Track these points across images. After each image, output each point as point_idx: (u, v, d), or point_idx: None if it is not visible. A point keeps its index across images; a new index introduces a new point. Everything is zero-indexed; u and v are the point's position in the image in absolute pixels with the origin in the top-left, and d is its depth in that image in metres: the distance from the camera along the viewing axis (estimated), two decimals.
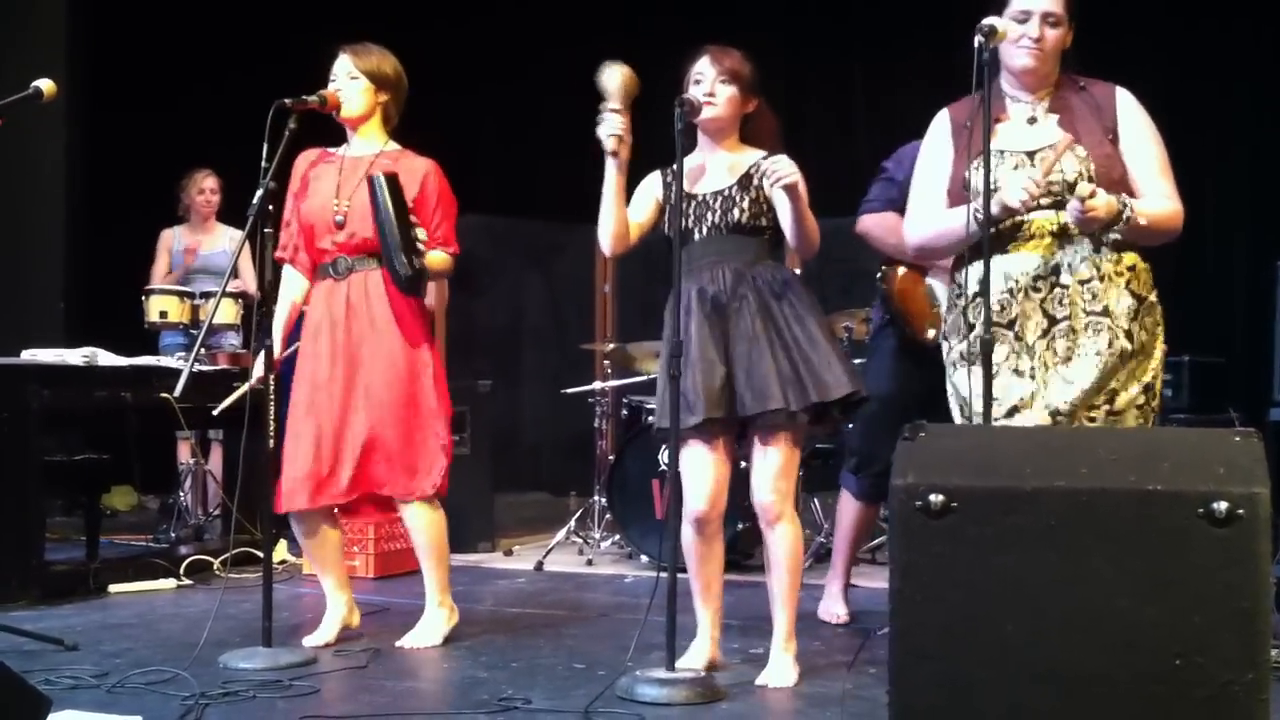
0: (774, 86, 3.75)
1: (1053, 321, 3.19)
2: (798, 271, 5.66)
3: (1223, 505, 2.28)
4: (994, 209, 3.15)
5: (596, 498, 6.08)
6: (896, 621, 2.44)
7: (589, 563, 5.74)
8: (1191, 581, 2.29)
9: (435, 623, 3.97)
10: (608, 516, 5.95)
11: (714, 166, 3.60)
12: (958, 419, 3.35)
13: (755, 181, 3.50)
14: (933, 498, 2.41)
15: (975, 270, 3.25)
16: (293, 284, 3.99)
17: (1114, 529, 2.34)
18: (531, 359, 8.86)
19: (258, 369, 3.89)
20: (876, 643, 3.92)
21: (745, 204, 3.52)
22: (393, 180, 3.75)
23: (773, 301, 3.46)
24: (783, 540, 3.49)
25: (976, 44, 3.17)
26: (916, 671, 2.41)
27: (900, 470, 2.48)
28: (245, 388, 4.02)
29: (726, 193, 3.55)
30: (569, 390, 6.50)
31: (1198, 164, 6.61)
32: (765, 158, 3.50)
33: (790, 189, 3.36)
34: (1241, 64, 6.87)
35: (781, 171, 3.33)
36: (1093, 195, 3.09)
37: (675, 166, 3.40)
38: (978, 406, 3.21)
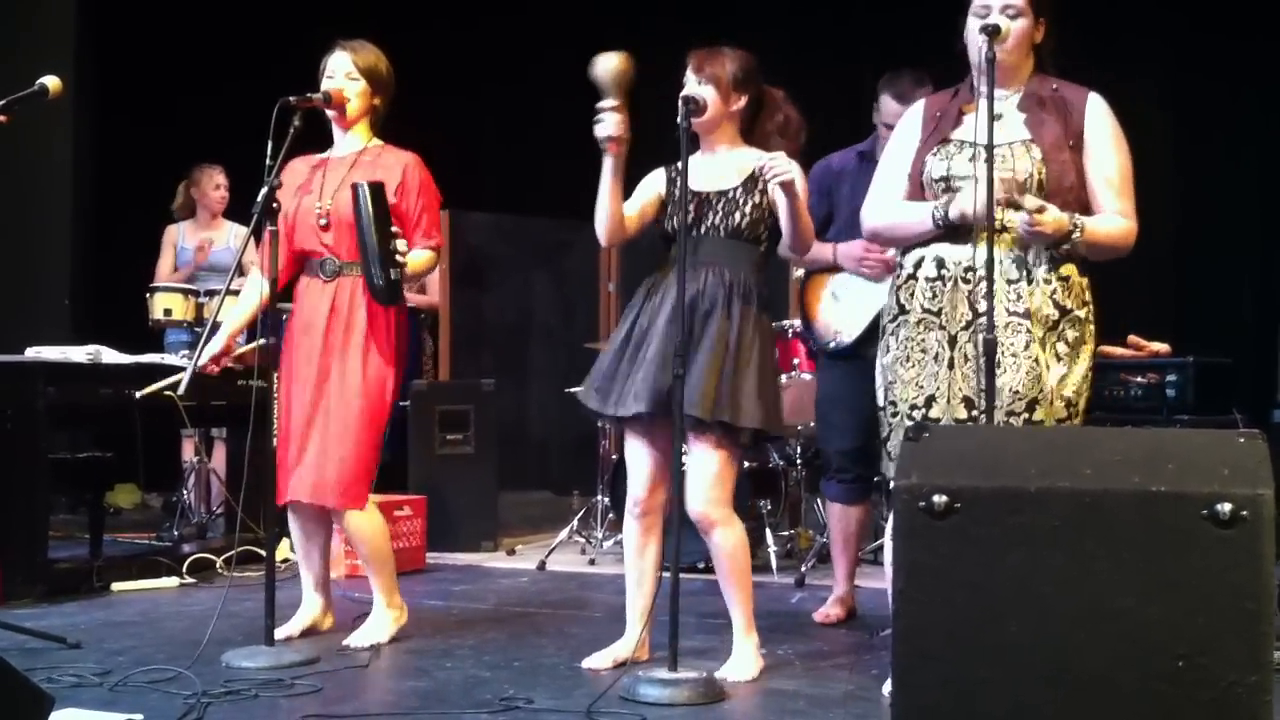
0: (780, 87, 3.75)
1: (976, 315, 3.18)
2: (800, 273, 5.70)
3: (1227, 507, 2.28)
4: (953, 213, 3.20)
5: (599, 497, 6.08)
6: (899, 622, 2.44)
7: (592, 562, 5.74)
8: (1195, 583, 2.29)
9: (382, 622, 3.95)
10: (610, 516, 5.94)
11: (717, 165, 3.62)
12: (880, 402, 3.38)
13: (760, 185, 3.52)
14: (936, 498, 2.41)
15: (914, 254, 3.32)
16: (255, 287, 4.00)
17: (1118, 530, 2.33)
18: (537, 357, 8.86)
19: (202, 359, 3.90)
20: (879, 644, 3.92)
21: (748, 209, 3.54)
22: (377, 189, 3.74)
23: (739, 314, 3.50)
24: (722, 544, 3.55)
25: (981, 44, 3.18)
26: (920, 672, 2.41)
27: (904, 470, 2.48)
28: (174, 379, 4.03)
29: (730, 194, 3.56)
30: (573, 389, 6.48)
31: (1205, 165, 6.62)
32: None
33: (786, 186, 3.39)
34: (1250, 65, 6.85)
35: (778, 169, 3.36)
36: (1041, 210, 3.08)
37: (680, 166, 3.42)
38: (900, 396, 3.29)
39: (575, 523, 6.02)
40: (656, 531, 3.64)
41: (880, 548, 5.51)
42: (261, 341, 3.93)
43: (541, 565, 5.60)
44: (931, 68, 4.24)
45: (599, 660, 3.65)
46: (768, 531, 5.37)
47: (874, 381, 4.28)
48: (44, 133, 6.80)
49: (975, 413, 3.16)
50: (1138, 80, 3.36)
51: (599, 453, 6.25)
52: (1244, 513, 2.27)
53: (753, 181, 3.54)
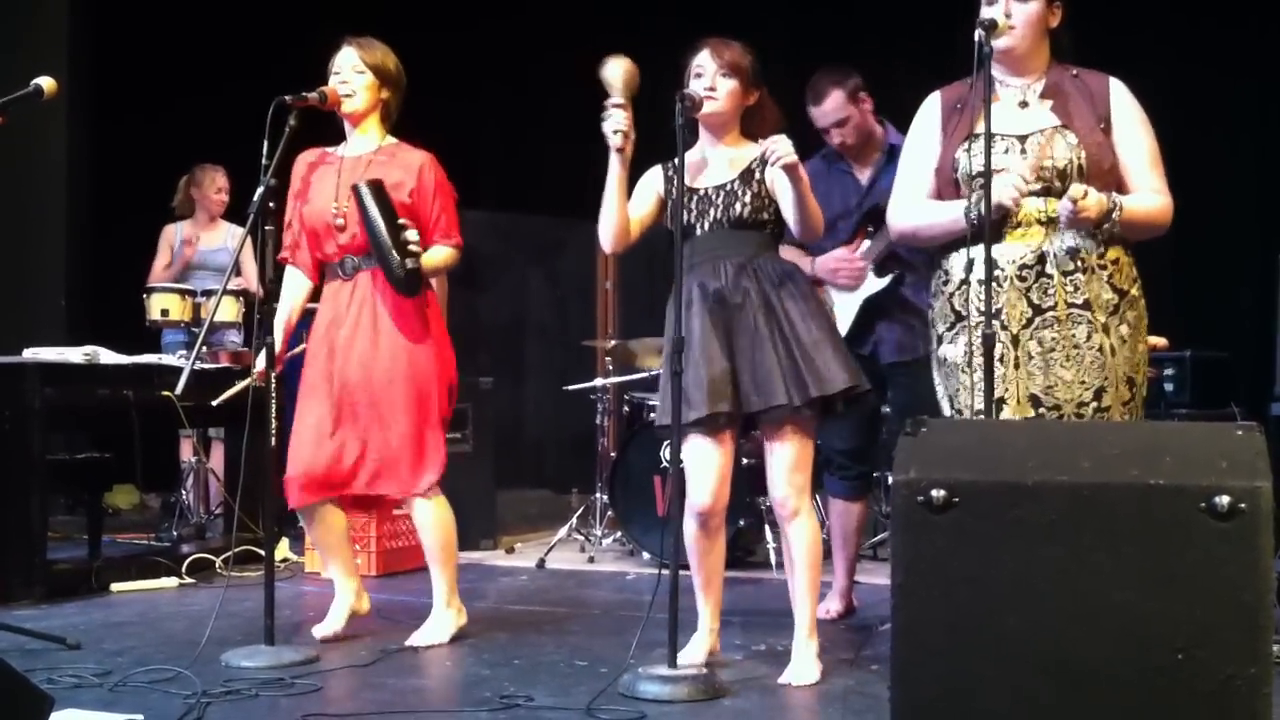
0: (777, 86, 3.75)
1: (1037, 311, 3.18)
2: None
3: (1225, 500, 2.28)
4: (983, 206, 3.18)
5: (598, 495, 6.08)
6: (899, 617, 2.44)
7: (591, 560, 5.74)
8: (1193, 576, 2.29)
9: (442, 622, 3.96)
10: (609, 513, 5.95)
11: (715, 160, 3.60)
12: (947, 412, 3.36)
13: (757, 175, 3.51)
14: (935, 492, 2.41)
15: (960, 256, 3.28)
16: (294, 283, 4.00)
17: (1116, 523, 2.34)
18: (534, 355, 8.87)
19: (259, 364, 3.92)
20: (879, 638, 3.92)
21: (747, 198, 3.51)
22: (378, 186, 3.76)
23: (774, 295, 3.45)
24: (800, 536, 3.47)
25: (977, 39, 3.18)
26: (919, 667, 2.41)
27: (902, 465, 2.48)
28: (248, 380, 4.02)
29: (729, 187, 3.54)
30: (571, 387, 6.49)
31: (1202, 157, 6.60)
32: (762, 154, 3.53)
33: (790, 169, 3.34)
34: (1248, 57, 6.85)
35: (780, 151, 3.31)
36: (1085, 196, 3.09)
37: (676, 162, 3.40)
38: (965, 403, 3.25)
39: (574, 520, 6.03)
40: (721, 534, 3.59)
41: (880, 542, 5.52)
42: (300, 348, 3.94)
43: (541, 563, 5.60)
44: (930, 64, 4.25)
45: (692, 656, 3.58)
46: (767, 528, 5.36)
47: (869, 380, 4.28)
48: (40, 133, 6.80)
49: (1042, 410, 3.16)
50: (1135, 75, 3.35)
51: (597, 451, 6.25)
52: (1242, 505, 2.27)
53: (749, 173, 3.53)
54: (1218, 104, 6.90)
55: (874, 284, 4.20)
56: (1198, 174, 6.55)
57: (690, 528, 3.52)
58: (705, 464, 3.50)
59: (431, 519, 3.91)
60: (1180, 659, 2.28)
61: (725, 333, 3.44)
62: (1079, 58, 3.38)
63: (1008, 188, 3.13)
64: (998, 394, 3.21)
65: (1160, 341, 5.27)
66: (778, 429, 3.45)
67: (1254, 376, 5.81)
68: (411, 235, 3.77)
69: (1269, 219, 6.82)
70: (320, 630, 3.90)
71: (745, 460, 4.89)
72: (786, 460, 3.46)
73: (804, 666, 3.45)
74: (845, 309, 4.25)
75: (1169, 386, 5.30)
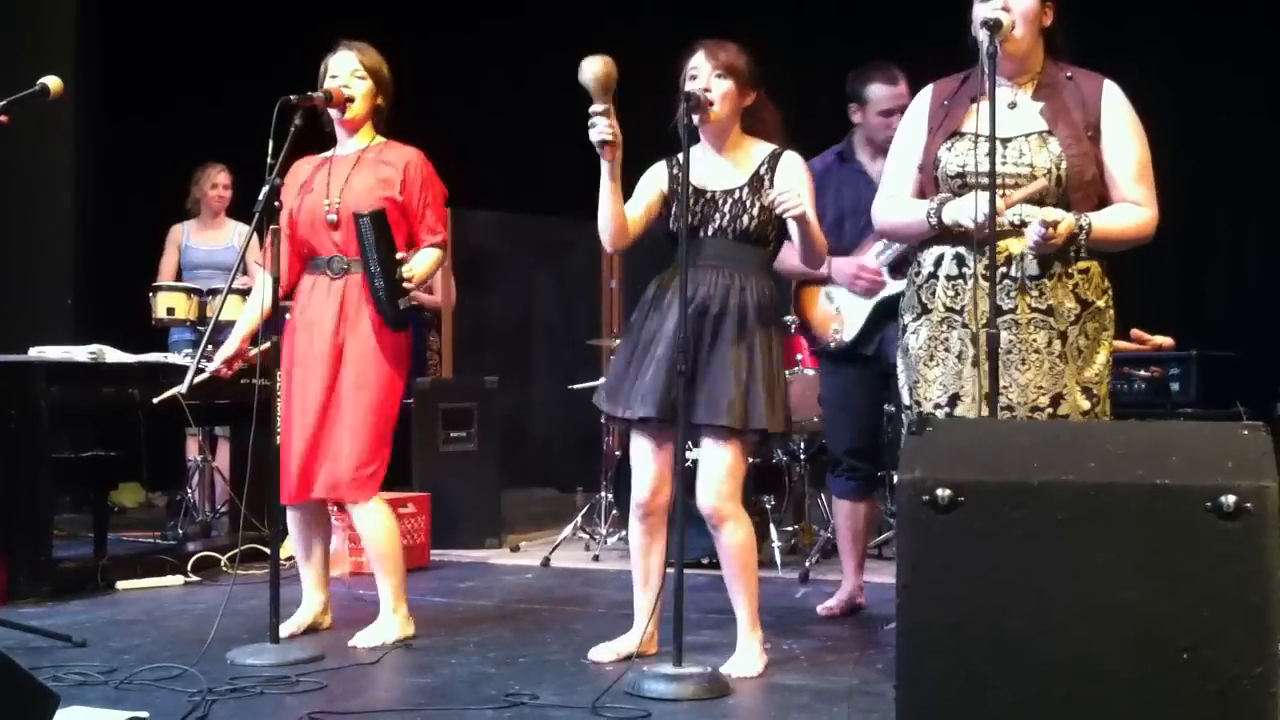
0: (782, 83, 3.74)
1: (999, 313, 3.15)
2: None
3: (1230, 499, 2.28)
4: (946, 218, 3.20)
5: (603, 493, 6.08)
6: (903, 616, 2.44)
7: (595, 558, 5.74)
8: (1199, 575, 2.29)
9: (389, 624, 3.93)
10: (614, 512, 5.94)
11: (720, 162, 3.60)
12: (906, 401, 3.36)
13: (765, 185, 3.52)
14: (940, 492, 2.41)
15: (934, 251, 3.29)
16: (266, 289, 3.98)
17: (1121, 523, 2.34)
18: (540, 354, 8.87)
19: (215, 363, 3.99)
20: (884, 638, 3.92)
21: (755, 211, 3.53)
22: (378, 217, 3.77)
23: (754, 322, 3.50)
24: (730, 539, 3.55)
25: (982, 39, 3.17)
26: (923, 666, 2.41)
27: (908, 465, 2.48)
28: (182, 386, 3.98)
29: (737, 195, 3.55)
30: (576, 386, 6.49)
31: (1208, 155, 6.61)
32: (770, 158, 3.54)
33: (798, 219, 3.40)
34: (1254, 53, 6.83)
35: (789, 203, 3.38)
36: (1056, 224, 3.07)
37: (682, 165, 3.41)
38: (924, 395, 3.26)
39: (579, 519, 6.03)
40: (661, 531, 3.64)
41: (885, 542, 5.52)
42: (268, 344, 3.94)
43: (546, 562, 5.60)
44: (935, 59, 4.24)
45: (604, 653, 3.66)
46: (771, 527, 5.37)
47: (875, 380, 4.30)
48: (46, 133, 6.79)
49: (998, 410, 3.12)
50: (1140, 63, 3.33)
51: (602, 449, 6.25)
52: (1248, 505, 2.27)
53: (758, 180, 3.54)
54: (1224, 102, 6.88)
55: (891, 287, 4.18)
56: (1204, 171, 6.58)
57: (632, 522, 3.60)
58: (644, 461, 3.59)
59: (374, 527, 3.93)
60: (1186, 659, 2.28)
61: (694, 339, 3.45)
62: (1082, 51, 3.36)
63: (967, 212, 3.12)
64: (953, 390, 3.22)
65: (1166, 341, 5.26)
66: (718, 442, 3.50)
67: (1260, 376, 5.80)
68: (406, 271, 3.80)
69: (1275, 216, 6.81)
70: (283, 629, 3.86)
71: (749, 460, 4.89)
72: (719, 472, 3.51)
73: (746, 659, 3.55)
74: (857, 310, 4.25)
75: (1174, 385, 5.29)
